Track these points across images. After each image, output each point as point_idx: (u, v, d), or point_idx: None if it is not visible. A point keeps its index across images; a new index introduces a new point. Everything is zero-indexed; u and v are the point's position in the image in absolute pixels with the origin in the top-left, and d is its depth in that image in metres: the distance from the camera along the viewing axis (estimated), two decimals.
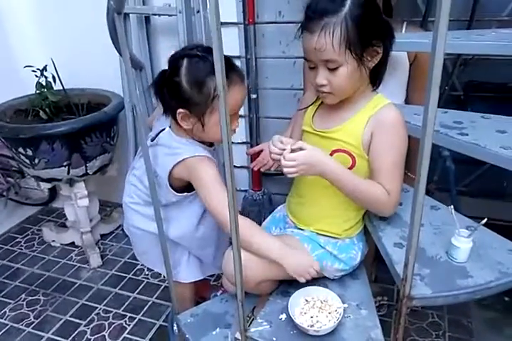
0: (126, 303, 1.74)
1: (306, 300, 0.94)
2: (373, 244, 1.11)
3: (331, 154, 0.95)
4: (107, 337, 1.58)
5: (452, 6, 1.47)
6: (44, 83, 1.83)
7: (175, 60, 1.01)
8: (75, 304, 1.75)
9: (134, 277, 1.89)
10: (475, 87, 1.59)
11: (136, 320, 1.66)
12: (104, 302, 1.75)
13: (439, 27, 0.56)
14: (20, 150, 1.70)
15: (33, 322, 1.66)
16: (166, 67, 1.05)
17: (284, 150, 0.88)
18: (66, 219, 2.10)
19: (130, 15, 1.75)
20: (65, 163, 1.73)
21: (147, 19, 1.80)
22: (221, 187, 1.00)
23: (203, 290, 1.56)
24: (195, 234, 1.22)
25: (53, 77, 1.83)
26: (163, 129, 1.12)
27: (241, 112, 1.81)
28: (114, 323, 1.65)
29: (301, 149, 0.88)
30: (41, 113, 1.84)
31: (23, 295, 1.80)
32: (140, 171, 1.17)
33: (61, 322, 1.66)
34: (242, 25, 1.65)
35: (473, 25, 1.47)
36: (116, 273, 1.93)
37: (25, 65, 1.77)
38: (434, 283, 0.78)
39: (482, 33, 1.06)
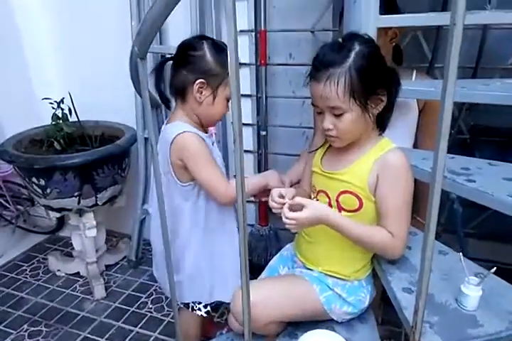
0: (129, 337, 1.72)
1: None
2: (380, 287, 1.11)
3: (339, 195, 0.98)
4: None
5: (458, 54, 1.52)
6: (60, 115, 1.90)
7: (190, 41, 1.16)
8: (77, 336, 1.73)
9: (137, 310, 1.88)
10: (480, 130, 1.63)
11: None
12: (107, 335, 1.73)
13: (448, 86, 0.59)
14: (34, 179, 1.74)
15: None
16: None
17: (284, 204, 0.93)
18: (72, 248, 2.11)
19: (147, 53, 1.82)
20: (76, 194, 1.76)
21: (162, 57, 1.87)
22: (211, 164, 1.13)
23: (207, 328, 1.55)
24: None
25: (69, 109, 1.90)
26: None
27: (250, 148, 1.87)
28: None
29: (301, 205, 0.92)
30: (56, 143, 1.89)
31: (25, 326, 1.79)
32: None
33: None
34: (254, 66, 1.72)
35: (478, 73, 1.53)
36: (119, 305, 1.91)
37: (43, 97, 1.84)
38: (444, 331, 0.77)
39: (487, 82, 1.10)
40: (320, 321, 1.02)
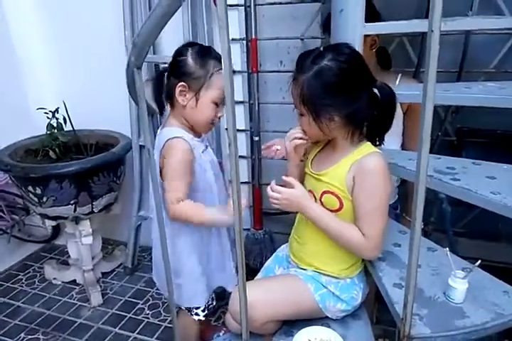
0: None
1: (309, 340, 0.97)
2: (374, 286, 1.15)
3: (322, 195, 1.03)
4: None
5: (442, 58, 1.60)
6: (55, 124, 1.92)
7: (179, 48, 1.20)
8: None
9: (134, 316, 1.89)
10: (466, 133, 1.67)
11: None
12: None
13: (428, 89, 0.63)
14: (30, 188, 1.76)
15: None
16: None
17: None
18: (68, 256, 2.12)
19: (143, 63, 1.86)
20: (72, 202, 1.78)
21: (156, 66, 1.91)
22: (178, 178, 1.15)
23: (204, 331, 1.56)
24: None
25: (64, 119, 1.93)
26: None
27: (243, 154, 1.91)
28: None
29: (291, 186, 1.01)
30: (51, 153, 1.91)
31: (22, 334, 1.80)
32: None
33: None
34: (246, 73, 1.76)
35: (462, 76, 1.58)
36: (116, 312, 1.92)
37: (37, 107, 1.87)
38: (433, 323, 0.81)
39: (470, 85, 1.15)
40: (315, 319, 1.05)
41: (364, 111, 0.96)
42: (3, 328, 1.83)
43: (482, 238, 1.87)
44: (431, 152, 1.24)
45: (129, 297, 2.02)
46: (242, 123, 1.87)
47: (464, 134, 1.69)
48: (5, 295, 2.05)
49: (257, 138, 1.86)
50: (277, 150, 1.19)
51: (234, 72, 1.75)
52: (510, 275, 0.98)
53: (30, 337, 1.78)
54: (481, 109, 1.34)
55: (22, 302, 2.00)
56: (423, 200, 0.67)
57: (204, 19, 1.71)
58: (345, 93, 0.94)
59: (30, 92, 2.12)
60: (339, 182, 0.99)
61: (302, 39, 1.70)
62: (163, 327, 1.81)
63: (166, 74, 1.22)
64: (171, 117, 1.23)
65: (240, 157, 1.88)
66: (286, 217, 1.87)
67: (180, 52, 1.18)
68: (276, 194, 1.00)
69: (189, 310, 1.34)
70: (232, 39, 1.72)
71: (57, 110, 1.90)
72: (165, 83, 1.22)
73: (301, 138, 1.04)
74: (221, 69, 1.02)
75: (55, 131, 1.92)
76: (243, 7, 1.66)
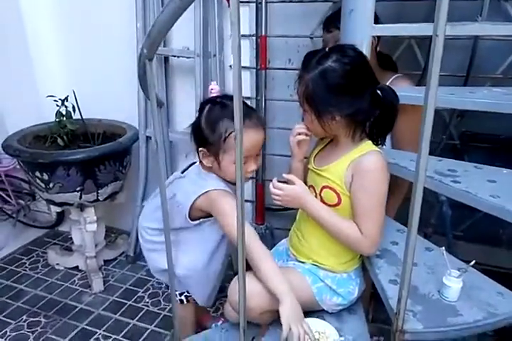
0: (126, 330, 1.77)
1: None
2: (370, 284, 1.18)
3: (321, 190, 1.06)
4: None
5: (449, 63, 1.61)
6: (64, 112, 1.95)
7: (201, 105, 1.18)
8: (75, 328, 1.77)
9: (134, 304, 1.93)
10: (470, 137, 1.69)
11: None
12: (104, 327, 1.78)
13: (429, 92, 0.66)
14: (37, 174, 1.79)
15: None
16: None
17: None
18: (72, 243, 2.16)
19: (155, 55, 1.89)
20: (78, 189, 1.81)
21: (166, 59, 1.94)
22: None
23: (203, 320, 1.60)
24: (207, 267, 1.28)
25: (73, 107, 1.96)
26: (194, 163, 1.24)
27: None
28: None
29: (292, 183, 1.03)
30: (59, 140, 1.94)
31: (24, 316, 1.84)
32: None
33: None
34: (254, 69, 1.78)
35: (469, 81, 1.60)
36: (117, 299, 1.96)
37: (47, 94, 1.89)
38: (426, 319, 0.84)
39: (474, 90, 1.17)
40: (311, 312, 1.08)
41: (365, 111, 0.99)
42: (6, 310, 1.87)
43: (482, 242, 1.89)
44: (434, 154, 1.26)
45: (129, 285, 2.06)
46: None
47: (467, 138, 1.71)
48: (8, 278, 2.09)
49: None
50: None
51: (242, 67, 1.77)
52: (509, 281, 1.00)
53: (32, 319, 1.82)
54: (486, 113, 1.36)
55: (25, 286, 2.04)
56: (420, 199, 0.69)
57: (215, 13, 1.73)
58: (347, 94, 0.96)
59: (41, 80, 2.14)
60: (338, 179, 1.02)
61: (312, 38, 1.71)
62: (162, 316, 1.85)
63: None
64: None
65: None
66: (288, 212, 1.89)
67: (200, 111, 1.17)
68: (278, 191, 1.03)
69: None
70: (242, 35, 1.73)
71: (66, 98, 1.93)
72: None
73: (305, 135, 1.07)
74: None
75: (64, 118, 1.95)
76: (254, 3, 1.67)
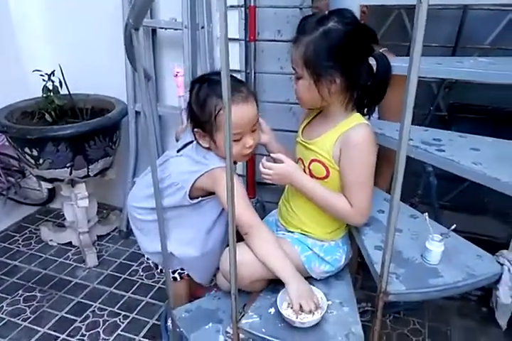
0: (121, 302, 1.81)
1: None
2: (357, 252, 1.21)
3: (310, 163, 1.08)
4: (101, 333, 1.65)
5: (438, 33, 1.62)
6: (51, 87, 1.92)
7: (191, 85, 1.16)
8: (71, 301, 1.81)
9: (128, 277, 1.96)
10: (458, 108, 1.71)
11: (130, 318, 1.72)
12: (100, 300, 1.82)
13: (413, 61, 0.66)
14: (26, 150, 1.78)
15: (30, 317, 1.72)
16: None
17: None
18: (64, 219, 2.17)
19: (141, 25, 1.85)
20: (68, 165, 1.81)
21: (154, 32, 1.90)
22: (246, 199, 1.12)
23: (197, 292, 1.64)
24: (201, 250, 1.28)
25: (60, 82, 1.92)
26: (191, 142, 1.22)
27: None
28: (108, 321, 1.71)
29: (281, 161, 1.04)
30: (47, 116, 1.92)
31: (20, 291, 1.86)
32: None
33: (57, 317, 1.72)
34: (243, 41, 1.76)
35: (457, 52, 1.60)
36: (111, 273, 1.99)
37: (33, 69, 1.86)
38: (408, 281, 0.87)
39: (462, 60, 1.17)
40: None
41: (363, 77, 0.99)
42: (1, 285, 1.90)
43: (468, 211, 1.94)
44: (421, 126, 1.27)
45: (123, 259, 2.09)
46: None
47: (455, 109, 1.73)
48: (2, 254, 2.11)
49: None
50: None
51: (231, 39, 1.75)
52: (493, 249, 1.03)
53: (27, 294, 1.85)
54: (473, 84, 1.37)
55: (19, 262, 2.06)
56: (403, 167, 0.71)
57: None
58: (349, 55, 0.95)
59: (26, 54, 2.10)
60: (326, 152, 1.03)
61: (301, 8, 1.69)
62: (156, 288, 1.89)
63: None
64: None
65: None
66: (278, 187, 1.92)
67: (190, 92, 1.15)
68: (268, 170, 1.04)
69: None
70: (231, 6, 1.70)
71: (53, 73, 1.89)
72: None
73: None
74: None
75: (51, 94, 1.93)
76: None
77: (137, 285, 1.91)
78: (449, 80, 1.62)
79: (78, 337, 1.63)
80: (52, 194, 2.44)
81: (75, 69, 1.95)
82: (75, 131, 1.73)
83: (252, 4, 1.68)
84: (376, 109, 1.45)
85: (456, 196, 1.91)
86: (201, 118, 1.11)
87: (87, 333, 1.65)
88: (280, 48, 1.79)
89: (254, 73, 1.81)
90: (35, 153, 1.77)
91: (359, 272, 1.70)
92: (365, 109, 1.06)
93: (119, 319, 1.72)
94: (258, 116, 1.16)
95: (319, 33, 0.94)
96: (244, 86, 1.15)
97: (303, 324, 0.95)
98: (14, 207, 2.46)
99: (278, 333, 0.96)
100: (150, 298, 1.83)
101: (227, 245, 0.88)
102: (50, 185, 1.98)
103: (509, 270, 0.89)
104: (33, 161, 1.80)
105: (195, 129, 1.14)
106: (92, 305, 1.79)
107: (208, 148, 1.17)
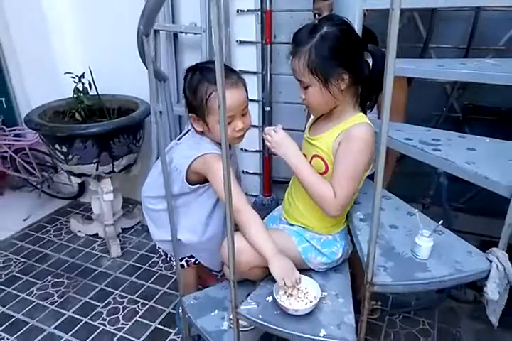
0: (140, 291, 1.92)
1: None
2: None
3: (312, 158, 1.13)
4: (120, 318, 1.76)
5: (451, 35, 1.64)
6: (81, 88, 2.05)
7: (185, 73, 1.25)
8: (95, 288, 1.94)
9: (149, 268, 2.07)
10: (471, 109, 1.71)
11: (147, 306, 1.83)
12: (121, 288, 1.93)
13: (389, 61, 0.71)
14: (57, 146, 1.92)
15: (57, 301, 1.86)
16: None
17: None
18: (92, 212, 2.31)
19: (160, 32, 1.95)
20: (94, 161, 1.93)
21: (175, 36, 2.00)
22: (234, 186, 1.15)
23: (207, 281, 1.72)
24: (197, 237, 1.36)
25: (89, 84, 2.06)
26: (189, 130, 1.32)
27: (255, 123, 2.00)
28: (128, 307, 1.82)
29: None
30: (77, 115, 2.06)
31: (49, 277, 2.01)
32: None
33: (81, 302, 1.85)
34: (260, 44, 1.83)
35: (470, 53, 1.60)
36: (133, 263, 2.11)
37: (65, 71, 2.00)
38: (395, 273, 0.91)
39: (465, 61, 1.19)
40: (300, 270, 1.17)
41: (365, 70, 1.04)
42: (33, 271, 2.05)
43: (482, 214, 1.92)
44: (435, 126, 1.30)
45: (145, 251, 2.20)
46: (254, 93, 1.95)
47: (469, 111, 1.73)
48: (34, 243, 2.27)
49: (268, 109, 1.94)
50: None
51: (247, 42, 1.82)
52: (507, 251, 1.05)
53: (56, 280, 1.99)
54: (487, 86, 1.38)
55: (50, 251, 2.21)
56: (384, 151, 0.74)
57: None
58: (350, 51, 1.01)
59: (59, 58, 2.25)
60: (327, 147, 1.08)
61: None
62: (173, 279, 1.99)
63: None
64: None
65: (252, 126, 1.97)
66: None
67: (184, 79, 1.24)
68: (268, 136, 1.11)
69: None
70: (248, 10, 1.78)
71: (83, 75, 2.03)
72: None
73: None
74: (214, 91, 1.11)
75: (81, 94, 2.06)
76: None
77: (156, 275, 2.02)
78: (461, 81, 1.63)
79: (99, 321, 1.74)
80: (82, 188, 2.60)
81: (103, 72, 2.08)
82: (101, 129, 1.85)
83: (268, 8, 1.75)
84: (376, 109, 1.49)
85: (471, 199, 1.90)
86: (194, 103, 1.20)
87: (108, 318, 1.76)
88: None
89: (271, 75, 1.87)
90: (64, 149, 1.90)
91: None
92: (368, 102, 1.10)
93: (138, 306, 1.82)
94: (247, 101, 1.24)
95: (317, 38, 1.00)
96: (234, 73, 1.24)
97: (296, 311, 1.01)
98: (47, 200, 2.64)
99: (274, 320, 1.02)
100: (167, 288, 1.93)
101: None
102: (79, 180, 2.11)
103: (497, 267, 0.92)
104: (62, 157, 1.94)
105: (190, 114, 1.24)
106: (114, 292, 1.91)
107: (202, 132, 1.26)
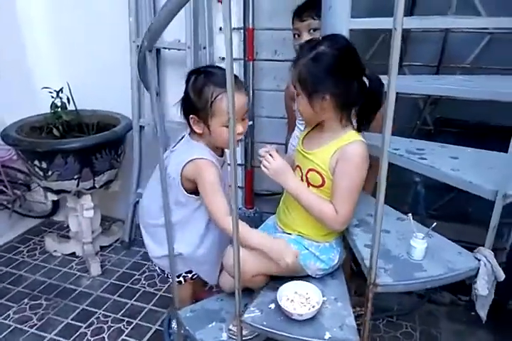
0: (124, 309, 1.88)
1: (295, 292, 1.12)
2: (349, 260, 1.30)
3: (308, 172, 1.18)
4: (106, 338, 1.71)
5: (423, 54, 1.75)
6: (59, 104, 2.03)
7: (187, 76, 1.28)
8: (76, 309, 1.88)
9: (131, 286, 2.03)
10: (442, 122, 1.83)
11: (133, 324, 1.79)
12: (104, 307, 1.88)
13: (391, 78, 0.77)
14: (36, 162, 1.87)
15: (36, 324, 1.78)
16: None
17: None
18: (67, 231, 2.25)
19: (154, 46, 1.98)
20: (75, 176, 1.90)
21: (158, 51, 2.03)
22: (219, 194, 1.21)
23: (201, 296, 1.71)
24: (197, 249, 1.37)
25: (68, 99, 2.04)
26: (183, 137, 1.35)
27: None
28: (112, 326, 1.78)
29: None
30: (54, 130, 2.03)
31: (25, 300, 1.93)
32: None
33: (63, 324, 1.79)
34: (242, 61, 1.89)
35: (440, 70, 1.73)
36: (114, 281, 2.06)
37: (42, 86, 1.97)
38: (396, 274, 0.97)
39: (440, 78, 1.30)
40: (298, 277, 1.20)
41: (353, 95, 1.09)
42: (8, 294, 1.96)
43: (453, 220, 2.04)
44: (409, 138, 1.38)
45: (126, 268, 2.16)
46: None
47: (440, 124, 1.85)
48: (7, 265, 2.18)
49: (251, 123, 1.99)
50: None
51: (223, 58, 1.87)
52: None
53: (33, 302, 1.92)
54: (458, 100, 1.49)
55: (24, 272, 2.12)
56: (385, 171, 0.80)
57: (205, 6, 1.83)
58: (336, 76, 1.06)
59: (36, 72, 2.22)
60: (323, 164, 1.13)
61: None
62: (158, 296, 1.96)
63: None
64: (196, 135, 1.30)
65: None
66: (275, 197, 2.01)
67: (187, 81, 1.26)
68: (267, 163, 1.14)
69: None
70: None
71: (61, 90, 2.01)
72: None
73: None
74: (220, 94, 1.16)
75: (59, 110, 2.03)
76: None
77: (140, 293, 1.98)
78: (434, 96, 1.75)
79: None
80: (56, 206, 2.52)
81: (81, 87, 2.07)
82: (82, 144, 1.84)
83: (250, 27, 1.82)
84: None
85: (443, 206, 2.01)
86: (198, 105, 1.22)
87: (92, 338, 1.71)
88: (277, 67, 1.92)
89: (253, 90, 1.94)
90: (44, 165, 1.86)
91: (352, 280, 1.77)
92: (360, 126, 1.17)
93: (123, 325, 1.78)
94: (248, 107, 1.29)
95: (311, 56, 1.07)
96: (236, 78, 1.27)
97: (301, 316, 1.04)
98: (18, 219, 2.54)
99: (278, 326, 1.04)
100: (152, 305, 1.90)
101: (230, 242, 0.97)
102: (55, 197, 2.06)
103: (485, 264, 0.99)
104: (41, 173, 1.90)
105: (191, 116, 1.25)
106: (97, 312, 1.86)
107: (200, 136, 1.28)
